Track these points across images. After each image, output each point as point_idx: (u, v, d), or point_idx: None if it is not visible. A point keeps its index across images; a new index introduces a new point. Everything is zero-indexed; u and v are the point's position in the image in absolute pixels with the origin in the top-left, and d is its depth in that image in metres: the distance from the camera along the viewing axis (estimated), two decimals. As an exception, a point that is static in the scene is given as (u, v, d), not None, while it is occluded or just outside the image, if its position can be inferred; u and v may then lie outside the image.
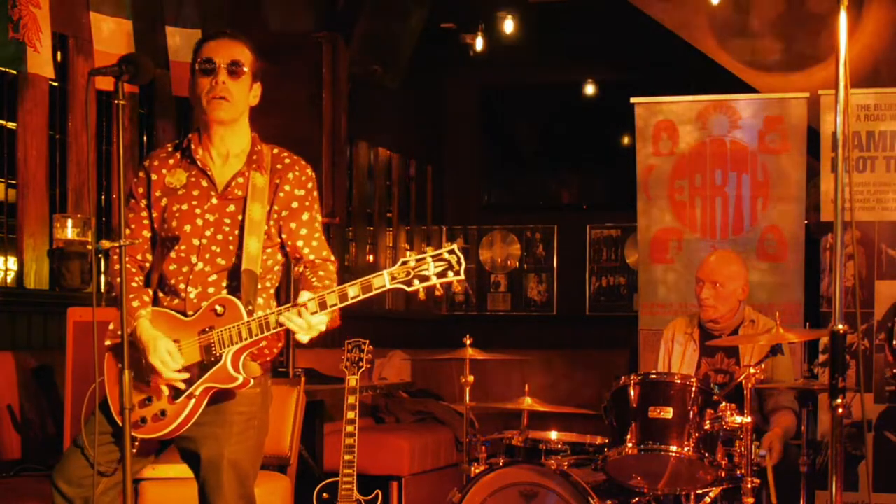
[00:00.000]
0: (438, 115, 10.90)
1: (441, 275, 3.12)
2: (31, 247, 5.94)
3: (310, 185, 3.46)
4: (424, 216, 10.67)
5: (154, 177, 3.43)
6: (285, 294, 4.04)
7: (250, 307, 3.27)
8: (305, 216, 3.43)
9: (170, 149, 3.50)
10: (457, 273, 3.11)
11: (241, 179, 3.39)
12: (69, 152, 6.28)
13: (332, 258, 3.47)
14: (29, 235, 5.94)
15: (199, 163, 3.41)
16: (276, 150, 3.47)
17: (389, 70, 8.94)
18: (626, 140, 10.26)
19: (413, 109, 10.26)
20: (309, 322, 3.17)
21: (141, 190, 3.45)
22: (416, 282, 3.12)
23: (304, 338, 3.21)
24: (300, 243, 3.42)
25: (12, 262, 6.06)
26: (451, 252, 3.13)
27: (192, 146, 3.42)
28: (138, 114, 6.80)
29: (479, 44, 9.92)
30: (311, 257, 3.43)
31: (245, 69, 3.38)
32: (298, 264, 3.45)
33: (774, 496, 4.38)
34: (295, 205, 3.42)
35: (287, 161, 3.45)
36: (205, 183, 3.40)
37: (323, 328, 3.21)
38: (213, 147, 3.42)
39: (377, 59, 8.73)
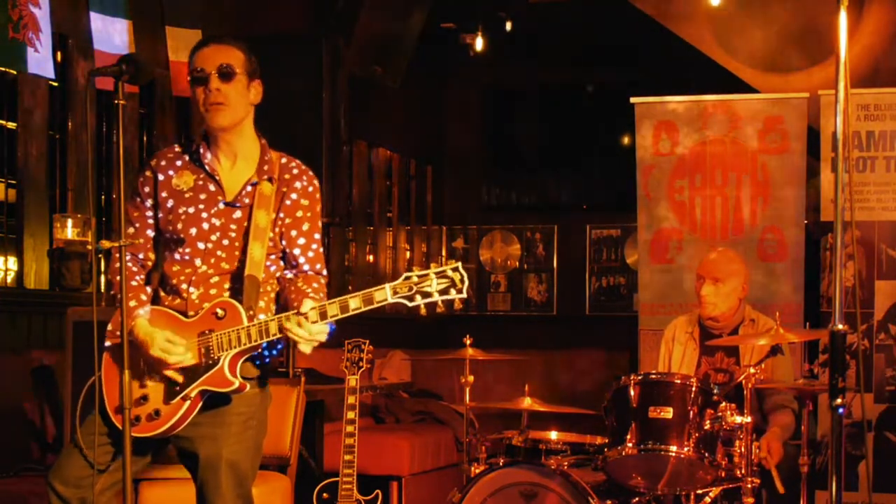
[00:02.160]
0: (438, 115, 10.90)
1: (444, 292, 3.11)
2: (31, 247, 5.94)
3: (316, 196, 3.48)
4: (424, 216, 10.67)
5: (161, 177, 3.43)
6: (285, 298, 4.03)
7: (251, 312, 3.28)
8: (306, 226, 3.44)
9: (177, 150, 3.49)
10: (459, 291, 3.11)
11: (249, 189, 3.40)
12: (69, 152, 6.29)
13: (325, 273, 3.48)
14: (29, 235, 5.94)
15: (207, 167, 3.41)
16: (284, 160, 3.48)
17: (389, 70, 8.94)
18: (626, 140, 10.26)
19: (413, 109, 10.26)
20: (310, 331, 3.17)
21: (147, 189, 3.45)
22: (418, 297, 3.12)
23: (305, 348, 3.21)
24: (297, 251, 3.43)
25: (12, 262, 6.06)
26: (455, 269, 3.12)
27: (202, 150, 3.43)
28: (138, 114, 6.80)
29: (479, 44, 9.92)
30: (306, 268, 3.43)
31: (237, 70, 3.38)
32: (291, 271, 3.45)
33: (781, 486, 4.39)
34: (299, 214, 3.43)
35: (295, 171, 3.47)
36: (212, 187, 3.40)
37: (323, 338, 3.22)
38: (221, 152, 3.43)
39: (377, 59, 8.74)
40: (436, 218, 10.80)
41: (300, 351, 3.23)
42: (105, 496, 3.34)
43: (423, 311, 3.15)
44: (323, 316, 3.17)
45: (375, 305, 3.15)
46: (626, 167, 7.16)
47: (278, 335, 3.22)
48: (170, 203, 3.41)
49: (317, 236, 3.47)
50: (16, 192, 6.03)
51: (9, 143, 6.01)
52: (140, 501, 4.41)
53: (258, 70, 3.45)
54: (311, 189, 3.46)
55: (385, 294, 3.13)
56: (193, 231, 3.37)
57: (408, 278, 3.13)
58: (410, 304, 3.12)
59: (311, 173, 3.48)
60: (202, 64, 3.37)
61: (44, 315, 5.77)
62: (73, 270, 5.75)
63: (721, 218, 6.50)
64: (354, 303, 3.15)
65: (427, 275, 3.12)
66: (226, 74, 3.36)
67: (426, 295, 3.11)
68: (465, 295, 3.12)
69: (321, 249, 3.49)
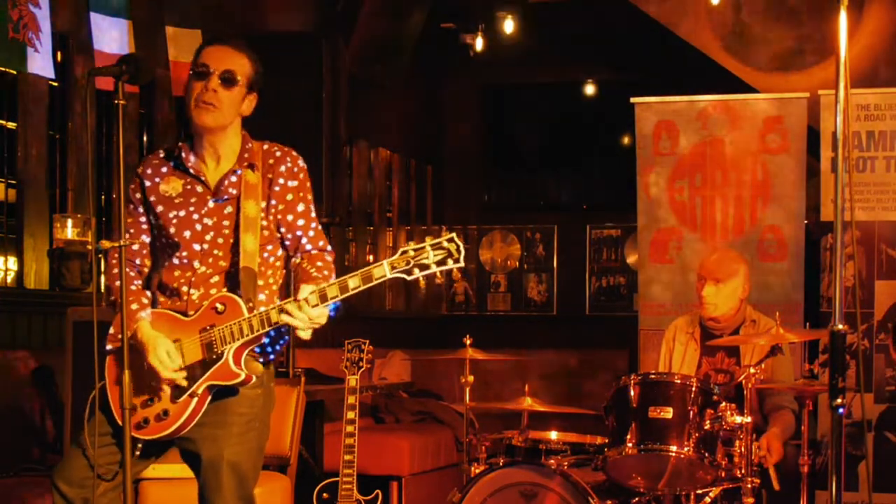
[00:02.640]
0: (438, 115, 10.90)
1: (441, 263, 3.10)
2: (31, 247, 5.95)
3: (301, 175, 3.44)
4: (424, 216, 10.67)
5: (147, 184, 3.43)
6: (287, 289, 4.03)
7: (251, 304, 3.27)
8: (301, 207, 3.42)
9: (161, 155, 3.48)
10: (456, 261, 3.10)
11: (233, 178, 3.39)
12: (69, 152, 6.29)
13: (329, 248, 3.46)
14: (29, 235, 5.94)
15: (192, 171, 3.40)
16: (266, 146, 3.46)
17: (389, 70, 8.94)
18: (626, 140, 10.27)
19: (413, 109, 10.26)
20: (310, 315, 3.16)
21: (138, 196, 3.45)
22: (416, 270, 3.10)
23: (305, 334, 3.20)
24: (298, 233, 3.42)
25: (12, 262, 6.06)
26: (451, 240, 3.12)
27: (184, 155, 3.42)
28: (138, 114, 6.80)
29: (479, 44, 9.92)
30: (309, 247, 3.42)
31: (239, 79, 3.36)
32: (296, 255, 3.44)
33: (777, 483, 4.39)
34: (290, 197, 3.41)
35: (278, 154, 3.44)
36: (200, 189, 3.40)
37: (323, 321, 3.21)
38: (206, 152, 3.41)
39: (377, 59, 8.74)
40: (436, 218, 10.80)
41: (300, 337, 3.22)
42: (107, 497, 3.34)
43: (421, 283, 3.14)
44: (323, 298, 3.16)
45: (375, 283, 3.13)
46: (626, 167, 7.16)
47: (280, 322, 3.21)
48: (160, 208, 3.40)
49: (313, 214, 3.44)
50: (16, 192, 6.03)
51: (9, 143, 6.01)
52: (140, 501, 4.41)
53: (259, 83, 3.44)
54: (296, 169, 3.42)
55: (383, 270, 3.12)
56: (187, 234, 3.37)
57: (404, 252, 3.12)
58: (409, 278, 3.11)
59: (294, 153, 3.45)
60: (208, 61, 3.36)
61: (44, 315, 5.77)
62: (73, 270, 5.75)
63: (721, 218, 6.49)
64: (354, 282, 3.14)
65: (423, 247, 3.11)
66: (227, 80, 3.34)
67: (424, 267, 3.10)
68: (462, 264, 3.10)
69: (320, 227, 3.47)
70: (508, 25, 9.69)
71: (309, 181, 3.46)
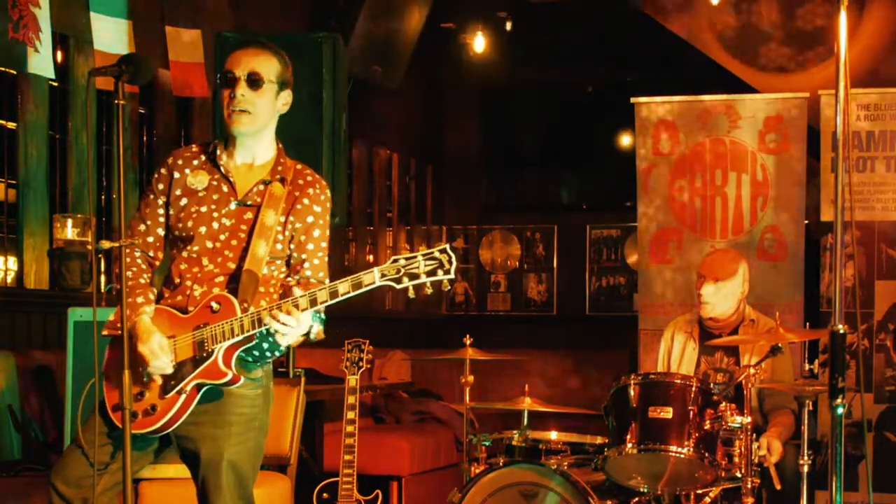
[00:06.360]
0: (438, 115, 10.90)
1: (431, 273, 3.11)
2: (31, 247, 5.94)
3: (327, 205, 3.48)
4: (424, 216, 10.67)
5: (176, 175, 3.44)
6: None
7: (246, 305, 3.27)
8: (316, 233, 3.45)
9: (195, 150, 3.51)
10: (447, 272, 3.11)
11: (261, 187, 3.40)
12: (69, 152, 6.29)
13: (328, 282, 3.47)
14: (29, 235, 5.94)
15: (222, 169, 3.42)
16: (299, 167, 3.50)
17: (389, 70, 8.94)
18: (626, 140, 10.26)
19: (413, 109, 10.26)
20: (298, 319, 3.17)
21: (161, 187, 3.46)
22: (405, 279, 3.11)
23: (284, 339, 3.21)
24: (304, 256, 3.43)
25: (12, 262, 6.06)
26: (443, 251, 3.12)
27: (218, 152, 3.43)
28: (138, 114, 6.80)
29: (479, 44, 9.92)
30: (308, 274, 3.42)
31: (266, 78, 3.37)
32: (292, 277, 3.44)
33: (778, 482, 4.39)
34: (310, 220, 3.43)
35: (309, 178, 3.48)
36: (225, 188, 3.41)
37: (307, 328, 3.21)
38: (239, 154, 3.44)
39: (377, 59, 8.74)
40: (436, 218, 10.80)
41: (279, 342, 3.24)
42: (106, 496, 3.34)
43: (411, 293, 3.14)
44: (313, 303, 3.17)
45: (364, 289, 3.15)
46: (626, 167, 7.16)
47: (270, 323, 3.21)
48: (183, 201, 3.42)
49: (324, 245, 3.47)
50: (16, 192, 6.03)
51: (9, 143, 6.01)
52: (140, 501, 4.41)
53: (291, 80, 3.44)
54: (322, 198, 3.47)
55: (373, 277, 3.13)
56: (203, 230, 3.38)
57: (395, 261, 3.13)
58: (398, 287, 3.12)
59: (324, 183, 3.49)
60: (233, 67, 3.37)
61: (44, 315, 5.77)
62: (73, 270, 5.75)
63: (721, 218, 6.49)
64: (343, 287, 3.15)
65: (415, 257, 3.13)
66: (254, 82, 3.35)
67: (413, 276, 3.11)
68: (452, 276, 3.11)
69: (326, 259, 3.48)
70: (508, 25, 9.69)
71: (329, 215, 3.48)
